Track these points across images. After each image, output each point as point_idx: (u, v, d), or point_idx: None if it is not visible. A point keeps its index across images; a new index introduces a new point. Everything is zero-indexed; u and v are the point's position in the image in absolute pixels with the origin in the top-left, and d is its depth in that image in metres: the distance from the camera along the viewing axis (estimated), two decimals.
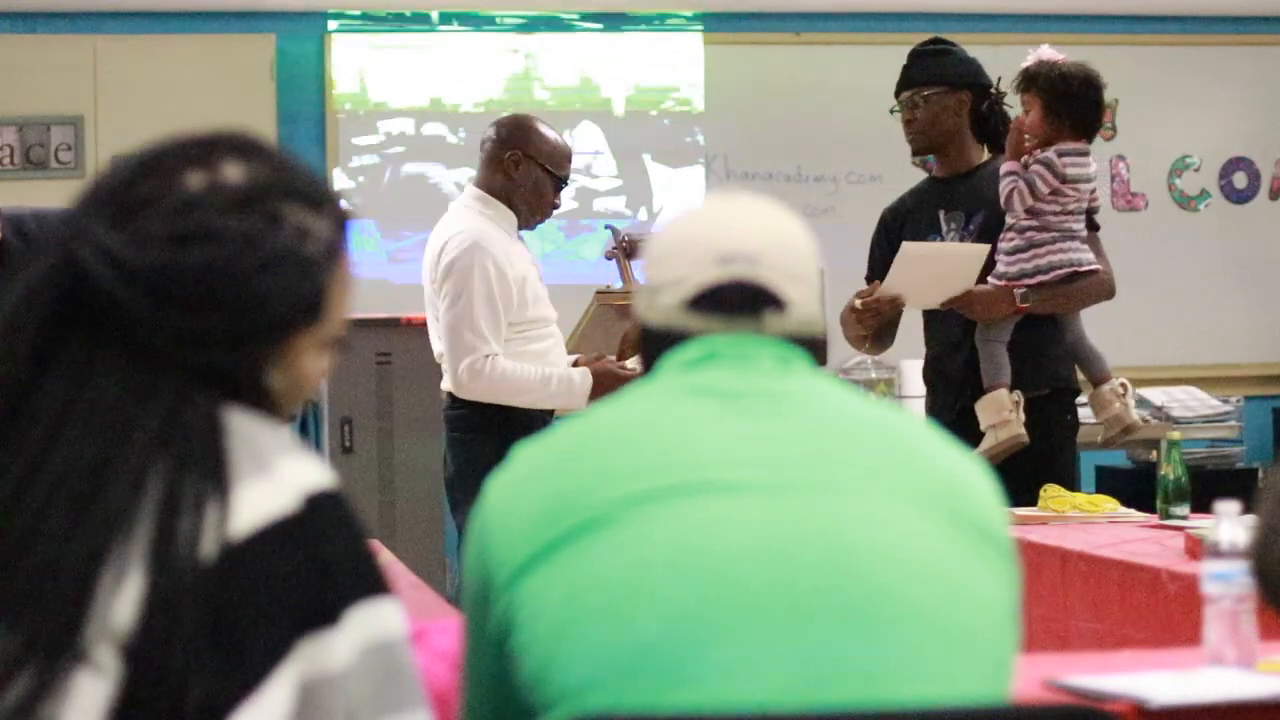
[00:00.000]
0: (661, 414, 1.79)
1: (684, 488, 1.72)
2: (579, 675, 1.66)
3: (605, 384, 4.63)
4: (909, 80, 4.92)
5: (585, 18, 8.24)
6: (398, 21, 8.12)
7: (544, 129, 4.78)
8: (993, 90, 4.92)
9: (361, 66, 8.09)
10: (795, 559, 1.69)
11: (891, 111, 4.96)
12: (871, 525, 1.72)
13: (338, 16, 8.09)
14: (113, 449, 1.59)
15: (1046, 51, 4.78)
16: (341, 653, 1.59)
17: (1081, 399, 4.94)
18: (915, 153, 4.97)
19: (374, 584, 1.64)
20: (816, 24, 8.35)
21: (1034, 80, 4.73)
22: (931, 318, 4.94)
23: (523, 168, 4.70)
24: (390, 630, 1.63)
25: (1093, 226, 4.83)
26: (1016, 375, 4.70)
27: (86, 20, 7.84)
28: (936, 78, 4.89)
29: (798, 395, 1.81)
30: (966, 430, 4.56)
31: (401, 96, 8.11)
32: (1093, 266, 4.74)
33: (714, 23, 8.32)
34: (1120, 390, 4.82)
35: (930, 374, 4.99)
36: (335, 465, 7.47)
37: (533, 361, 4.68)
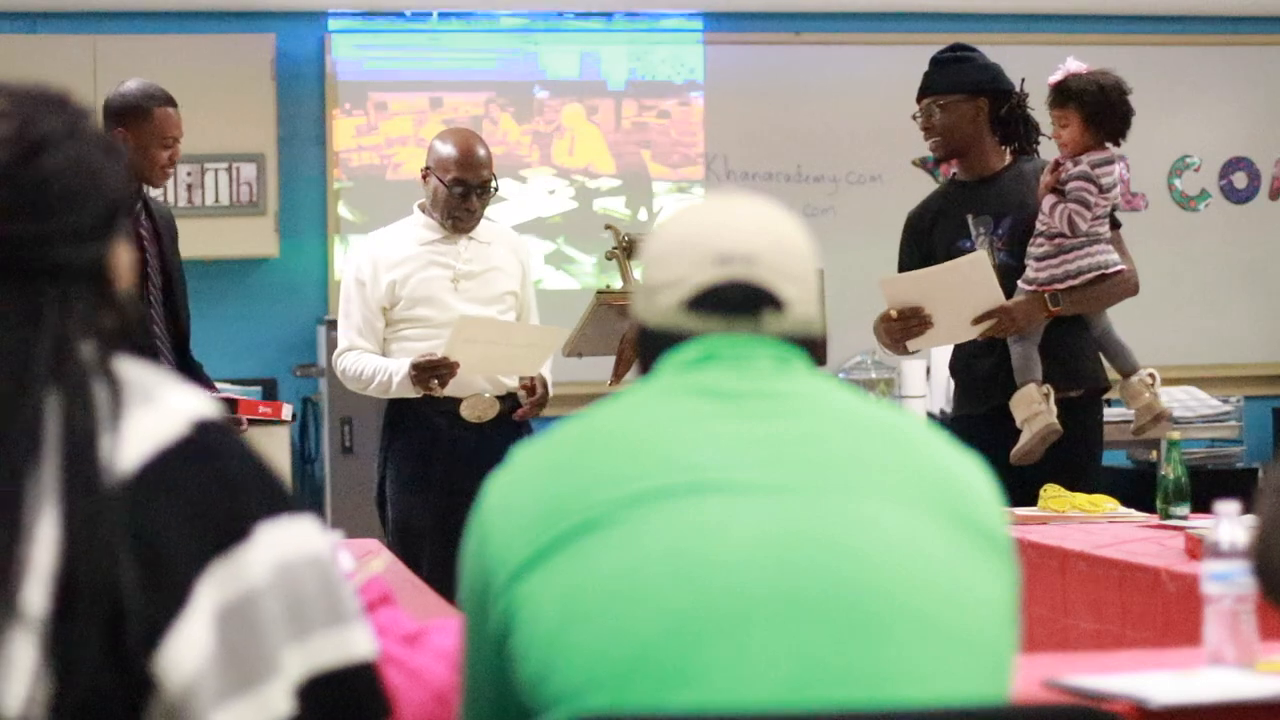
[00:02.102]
0: (660, 415, 1.79)
1: (683, 488, 1.72)
2: (578, 675, 1.66)
3: (414, 376, 4.90)
4: (926, 88, 4.97)
5: (585, 17, 8.24)
6: (398, 21, 8.12)
7: (439, 141, 5.07)
8: (1014, 94, 4.93)
9: (361, 66, 8.09)
10: (794, 559, 1.69)
11: (914, 118, 5.00)
12: (870, 525, 1.72)
13: (338, 16, 8.09)
14: (10, 387, 1.59)
15: (1074, 64, 4.81)
16: (258, 569, 1.59)
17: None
18: (938, 160, 5.03)
19: (283, 502, 1.64)
20: (816, 24, 8.34)
21: (1075, 95, 4.77)
22: None
23: (428, 180, 5.06)
24: (309, 547, 1.63)
25: (1114, 225, 4.88)
26: (1050, 376, 4.76)
27: (86, 20, 7.84)
28: (952, 85, 4.92)
29: (796, 396, 1.81)
30: (999, 428, 4.65)
31: (402, 96, 8.11)
32: (1119, 268, 4.80)
33: (714, 23, 8.32)
34: (1149, 380, 4.91)
35: (960, 372, 5.02)
36: (335, 465, 7.47)
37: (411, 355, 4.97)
